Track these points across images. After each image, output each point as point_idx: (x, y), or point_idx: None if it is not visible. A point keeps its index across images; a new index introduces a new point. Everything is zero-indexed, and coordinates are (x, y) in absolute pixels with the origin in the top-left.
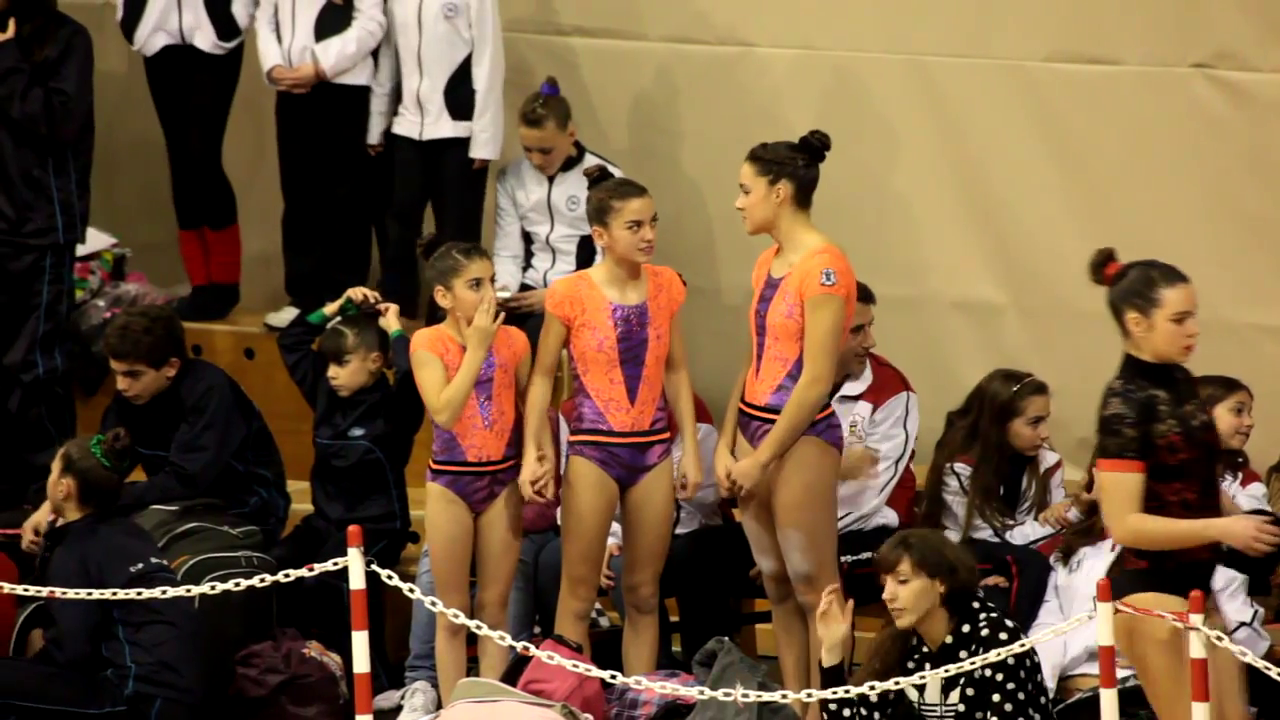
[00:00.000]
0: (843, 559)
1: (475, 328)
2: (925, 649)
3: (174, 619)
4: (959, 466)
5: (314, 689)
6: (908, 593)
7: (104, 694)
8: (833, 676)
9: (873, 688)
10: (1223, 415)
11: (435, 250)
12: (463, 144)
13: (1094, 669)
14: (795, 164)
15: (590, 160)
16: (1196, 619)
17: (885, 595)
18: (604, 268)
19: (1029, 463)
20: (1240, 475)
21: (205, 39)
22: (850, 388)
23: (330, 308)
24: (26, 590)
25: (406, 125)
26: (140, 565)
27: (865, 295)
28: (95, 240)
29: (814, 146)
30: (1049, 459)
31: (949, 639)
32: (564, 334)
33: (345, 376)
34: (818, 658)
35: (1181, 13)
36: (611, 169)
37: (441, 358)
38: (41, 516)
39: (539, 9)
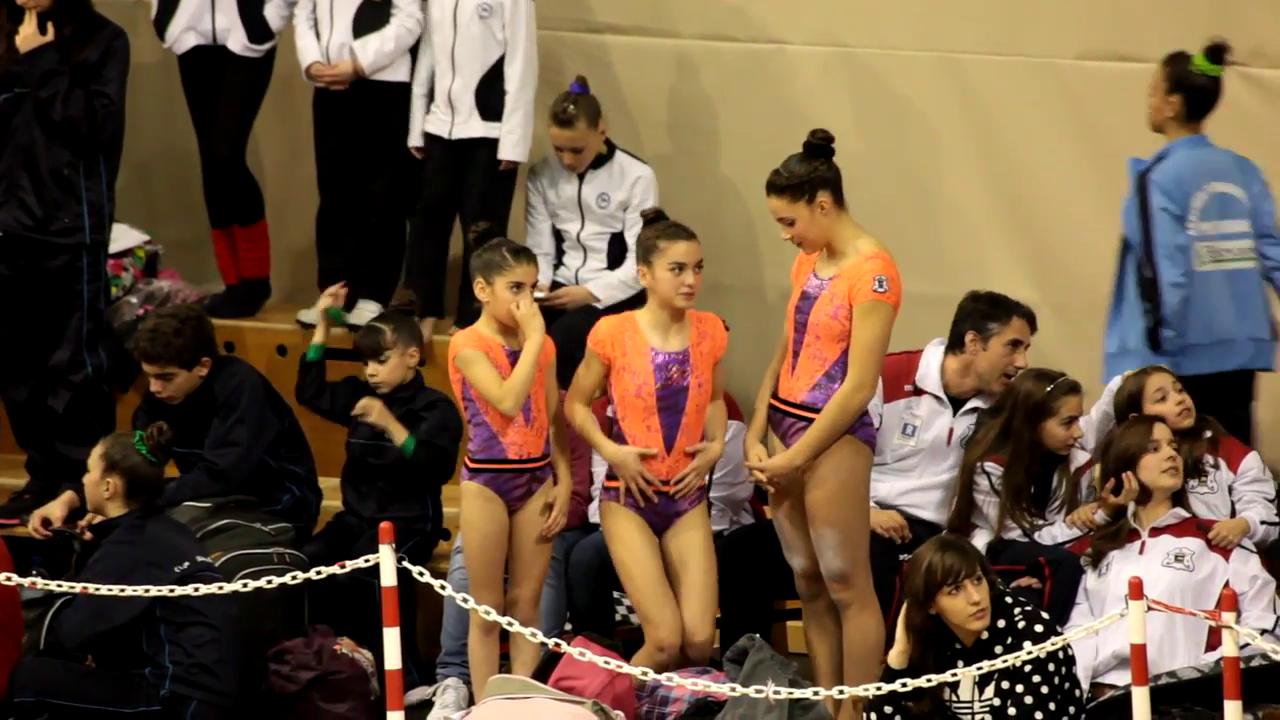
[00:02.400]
0: (900, 557)
1: (525, 315)
2: (959, 646)
3: (215, 621)
4: (990, 466)
5: (345, 685)
6: (983, 594)
7: (139, 693)
8: (893, 678)
9: (905, 684)
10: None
11: (487, 241)
12: (491, 144)
13: (1123, 677)
14: (818, 172)
15: (621, 158)
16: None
17: (969, 599)
18: (649, 311)
19: (1060, 462)
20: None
21: (237, 41)
22: (978, 400)
23: (318, 336)
24: (59, 585)
25: (437, 124)
26: (186, 564)
27: (1029, 316)
28: (128, 237)
29: (819, 147)
30: (1079, 458)
31: (985, 635)
32: (603, 372)
33: (385, 373)
34: (854, 654)
35: (1213, 10)
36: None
37: (485, 354)
38: (55, 510)
39: (571, 6)
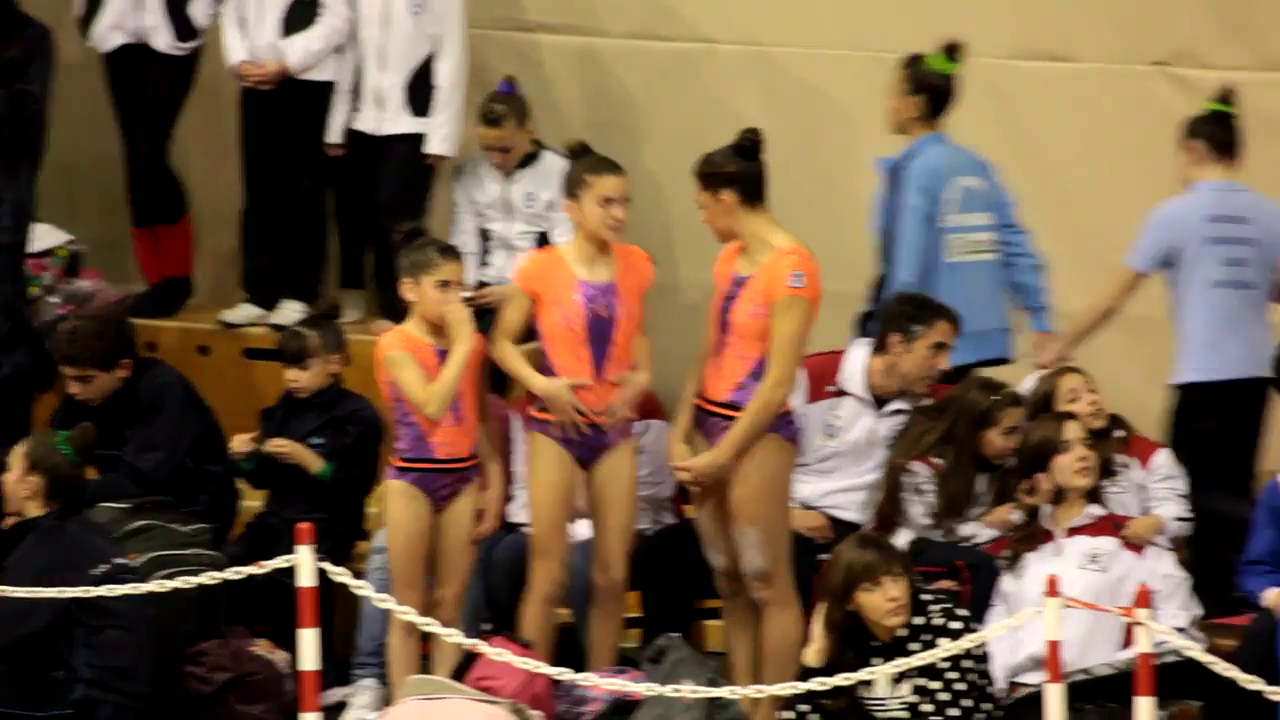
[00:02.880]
0: (819, 557)
1: (455, 320)
2: (875, 643)
3: (131, 624)
4: (916, 466)
5: (261, 686)
6: (902, 590)
7: (52, 697)
8: (810, 677)
9: (822, 683)
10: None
11: (414, 241)
12: (416, 139)
13: (1040, 677)
14: (731, 169)
15: (548, 157)
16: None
17: (887, 595)
18: (574, 245)
19: (994, 470)
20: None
21: (163, 40)
22: (902, 401)
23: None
24: None
25: (365, 121)
26: (105, 567)
27: (954, 319)
28: (50, 237)
29: (745, 147)
30: (1007, 464)
31: (903, 632)
32: (529, 307)
33: (306, 379)
34: (772, 653)
35: (1141, 11)
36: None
37: (413, 355)
38: None
39: (501, 5)
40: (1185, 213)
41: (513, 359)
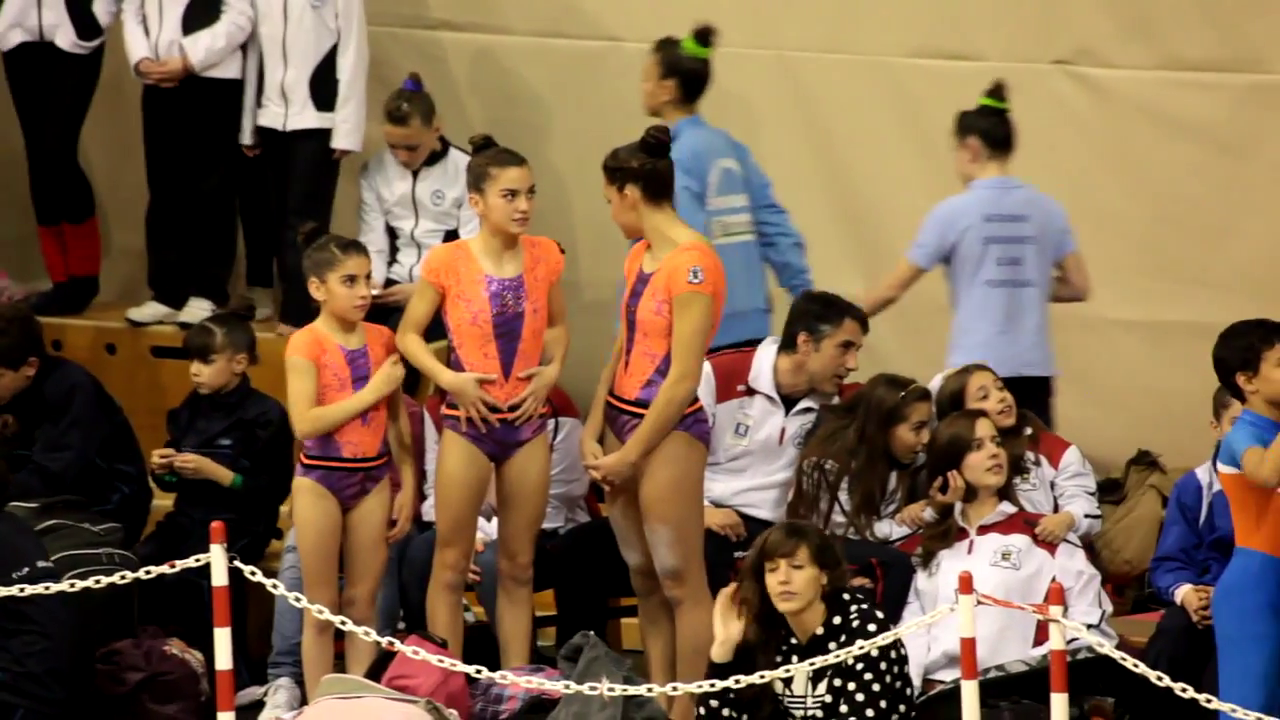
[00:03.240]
0: (735, 554)
1: (386, 375)
2: (794, 641)
3: (47, 628)
4: (829, 464)
5: (175, 686)
6: (801, 579)
7: None
8: (719, 673)
9: (738, 681)
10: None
11: (316, 240)
12: (321, 134)
13: (954, 674)
14: (635, 166)
15: (455, 155)
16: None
17: (778, 579)
18: (481, 238)
19: (905, 468)
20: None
21: (65, 38)
22: (811, 400)
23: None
24: None
25: (270, 117)
26: (25, 569)
27: (862, 318)
28: None
29: (651, 144)
30: (918, 460)
31: (820, 630)
32: (436, 300)
33: (209, 375)
34: (687, 651)
35: (1042, 10)
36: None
37: (317, 360)
38: None
39: (406, 3)
40: (962, 211)
41: (420, 352)
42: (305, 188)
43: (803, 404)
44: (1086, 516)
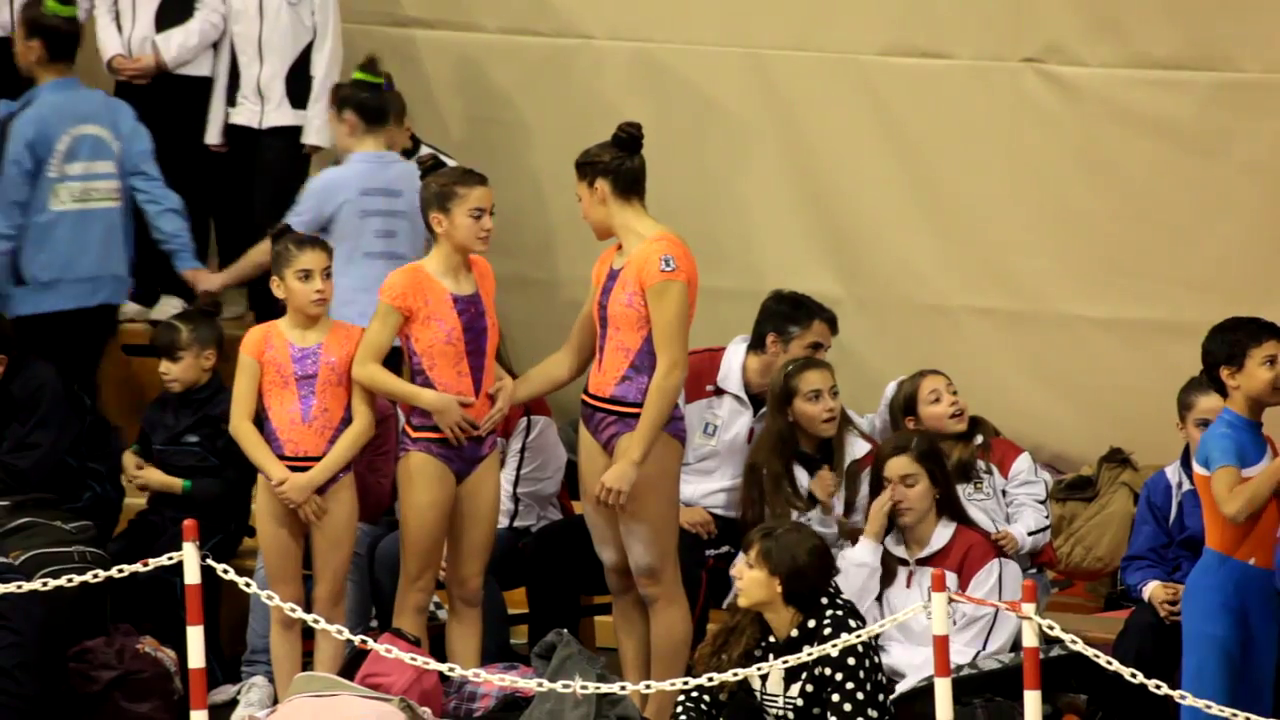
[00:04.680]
0: (707, 553)
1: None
2: (772, 639)
3: (16, 624)
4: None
5: (148, 684)
6: (749, 578)
7: None
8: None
9: (711, 679)
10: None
11: (281, 238)
12: (293, 131)
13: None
14: (605, 160)
15: (425, 151)
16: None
17: (733, 569)
18: (438, 258)
19: (825, 444)
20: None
21: None
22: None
23: (158, 480)
24: None
25: (246, 115)
26: None
27: (831, 319)
28: None
29: (624, 139)
30: (858, 449)
31: (794, 632)
32: (398, 326)
33: (178, 372)
34: (661, 648)
35: (1012, 8)
36: (445, 159)
37: (259, 357)
38: None
39: (378, 0)
40: (340, 184)
41: (390, 380)
42: (275, 185)
43: None
44: (1030, 534)
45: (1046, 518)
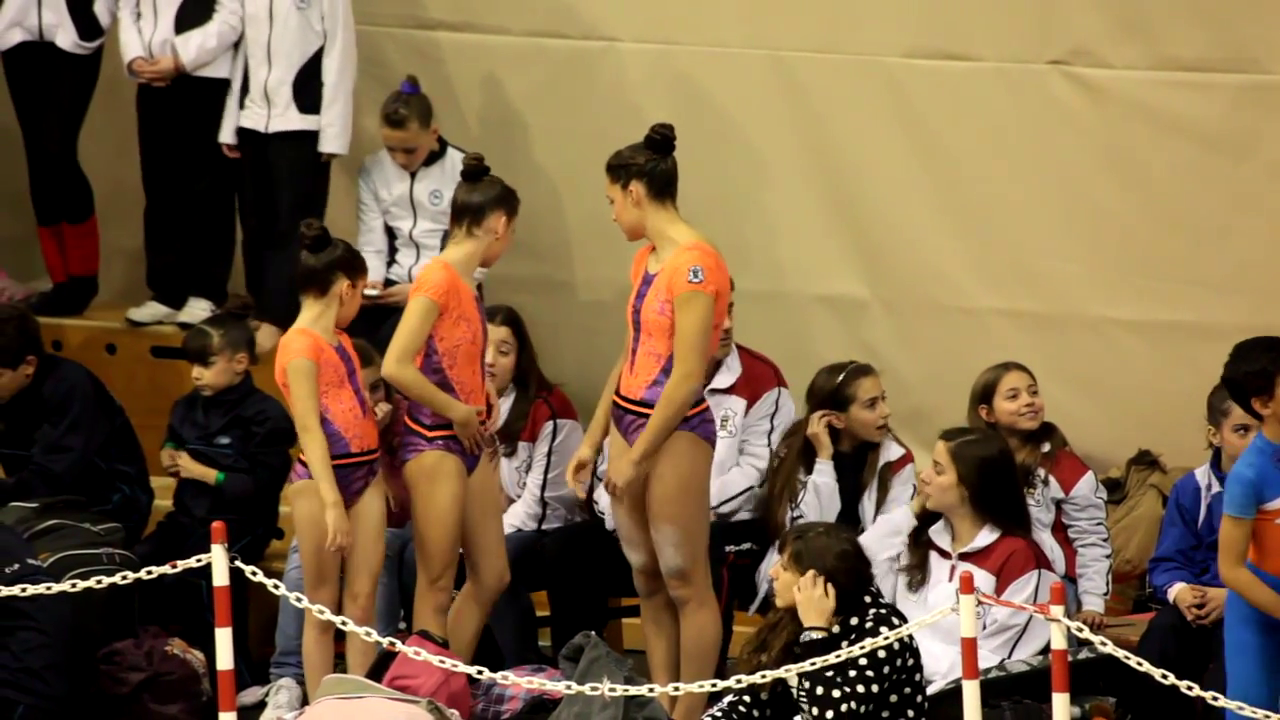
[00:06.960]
0: (727, 549)
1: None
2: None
3: (45, 625)
4: (782, 452)
5: (176, 686)
6: (783, 580)
7: None
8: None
9: (739, 680)
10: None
11: (329, 244)
12: (308, 136)
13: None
14: (640, 162)
15: (453, 155)
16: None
17: (770, 570)
18: (465, 258)
19: (871, 449)
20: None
21: (66, 38)
22: (720, 380)
23: (197, 472)
24: None
25: (252, 118)
26: (16, 566)
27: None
28: None
29: (657, 141)
30: (892, 452)
31: (836, 628)
32: (434, 324)
33: (210, 376)
34: (691, 650)
35: (1038, 10)
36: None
37: (318, 359)
38: None
39: (401, 3)
40: None
41: (426, 385)
42: (295, 192)
43: None
44: (1102, 595)
45: (1108, 556)
